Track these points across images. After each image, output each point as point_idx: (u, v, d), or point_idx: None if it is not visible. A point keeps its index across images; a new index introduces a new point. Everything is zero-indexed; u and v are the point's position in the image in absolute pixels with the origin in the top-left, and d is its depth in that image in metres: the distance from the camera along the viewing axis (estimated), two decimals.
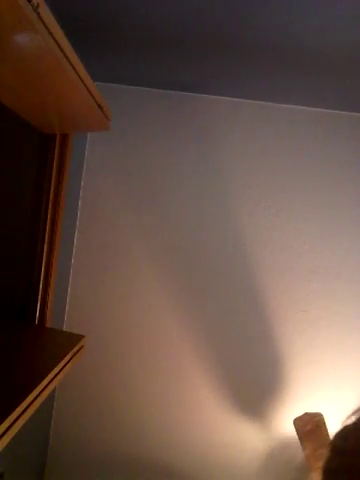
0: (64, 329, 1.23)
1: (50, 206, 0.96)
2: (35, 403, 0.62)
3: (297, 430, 1.06)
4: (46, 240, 0.97)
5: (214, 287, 1.22)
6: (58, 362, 0.73)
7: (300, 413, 1.09)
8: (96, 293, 1.23)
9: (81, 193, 1.23)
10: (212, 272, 1.22)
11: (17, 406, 0.56)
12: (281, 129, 1.22)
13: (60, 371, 0.73)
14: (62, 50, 0.55)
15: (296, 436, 1.07)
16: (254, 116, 1.22)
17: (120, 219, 1.23)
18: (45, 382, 0.66)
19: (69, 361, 0.79)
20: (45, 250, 0.97)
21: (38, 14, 0.46)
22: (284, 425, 1.23)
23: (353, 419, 0.41)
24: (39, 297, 0.98)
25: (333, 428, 1.17)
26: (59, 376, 0.73)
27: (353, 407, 1.28)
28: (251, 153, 1.22)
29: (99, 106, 0.75)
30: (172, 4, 0.76)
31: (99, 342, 1.23)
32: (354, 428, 0.40)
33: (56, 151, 0.95)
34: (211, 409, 1.24)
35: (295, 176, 1.22)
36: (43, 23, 0.48)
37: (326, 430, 1.04)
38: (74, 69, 0.60)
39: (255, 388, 1.23)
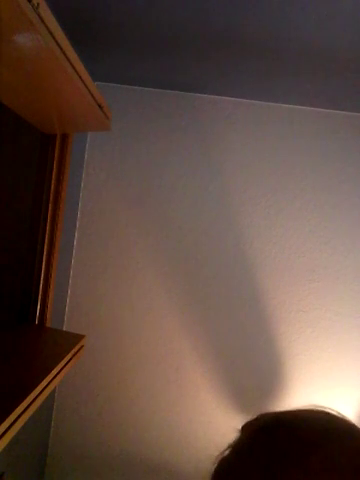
0: (64, 329, 1.23)
1: (50, 206, 0.96)
2: (35, 403, 0.62)
3: None
4: (46, 240, 0.97)
5: (214, 287, 1.22)
6: (58, 362, 0.73)
7: None
8: (96, 293, 1.23)
9: (81, 193, 1.23)
10: (212, 272, 1.22)
11: (17, 406, 0.56)
12: (281, 129, 1.22)
13: (60, 371, 0.73)
14: (62, 50, 0.55)
15: None
16: (254, 116, 1.22)
17: (120, 219, 1.23)
18: (45, 382, 0.66)
19: (69, 361, 0.79)
20: (45, 250, 0.97)
21: (38, 14, 0.46)
22: None
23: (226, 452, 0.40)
24: (39, 297, 0.98)
25: None
26: (59, 376, 0.73)
27: (353, 407, 1.27)
28: (251, 153, 1.22)
29: (99, 106, 0.75)
30: (172, 4, 0.76)
31: (99, 342, 1.23)
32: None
33: (56, 151, 0.95)
34: (211, 409, 1.24)
35: (295, 176, 1.22)
36: (43, 23, 0.48)
37: None
38: (74, 69, 0.60)
39: (255, 388, 1.23)
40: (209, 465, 0.41)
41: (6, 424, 0.52)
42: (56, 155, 0.95)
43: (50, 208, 0.96)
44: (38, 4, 0.46)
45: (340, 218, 1.22)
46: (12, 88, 0.66)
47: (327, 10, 0.72)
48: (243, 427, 0.42)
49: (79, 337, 0.92)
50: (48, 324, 1.00)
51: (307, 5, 0.72)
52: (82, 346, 0.90)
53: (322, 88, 1.07)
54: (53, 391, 1.23)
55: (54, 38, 0.51)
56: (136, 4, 0.77)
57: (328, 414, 0.38)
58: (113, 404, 1.25)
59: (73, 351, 0.83)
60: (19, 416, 0.56)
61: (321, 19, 0.75)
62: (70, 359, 0.80)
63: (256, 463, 0.35)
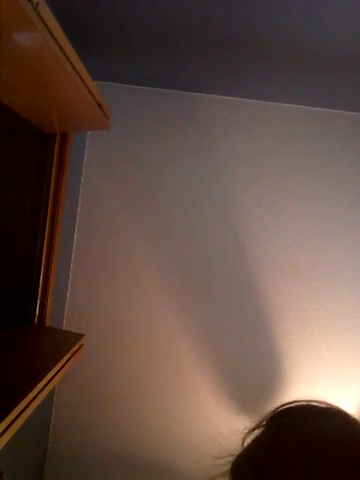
0: (63, 328, 1.23)
1: (50, 205, 0.96)
2: (34, 402, 0.62)
3: None
4: (46, 239, 0.97)
5: (214, 286, 1.22)
6: (57, 361, 0.73)
7: None
8: (95, 292, 1.23)
9: (81, 192, 1.23)
10: (212, 271, 1.22)
11: (16, 405, 0.56)
12: (281, 129, 1.22)
13: (59, 370, 0.73)
14: (62, 49, 0.55)
15: None
16: (254, 115, 1.22)
17: (120, 218, 1.23)
18: (44, 381, 0.66)
19: (68, 360, 0.79)
20: (44, 249, 0.97)
21: (38, 13, 0.46)
22: None
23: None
24: (39, 296, 0.98)
25: None
26: (58, 375, 0.73)
27: (352, 407, 1.27)
28: (251, 152, 1.22)
29: (99, 105, 0.75)
30: (172, 4, 0.76)
31: (98, 341, 1.23)
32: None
33: (56, 150, 0.95)
34: (210, 408, 1.24)
35: (295, 175, 1.22)
36: (43, 22, 0.48)
37: None
38: (74, 68, 0.60)
39: (254, 387, 1.23)
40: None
41: (5, 423, 0.52)
42: (55, 154, 0.95)
43: (49, 208, 0.96)
44: (38, 3, 0.45)
45: (340, 218, 1.22)
46: (11, 87, 0.66)
47: (327, 9, 0.72)
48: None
49: (78, 336, 0.92)
50: (47, 323, 1.00)
51: (307, 5, 0.71)
52: (81, 345, 0.91)
53: (322, 87, 1.07)
54: (52, 390, 1.23)
55: (54, 37, 0.51)
56: (136, 3, 0.77)
57: (342, 413, 0.38)
58: (112, 403, 1.25)
59: (72, 350, 0.83)
60: (18, 415, 0.56)
61: (321, 18, 0.75)
62: (69, 358, 0.80)
63: (261, 450, 0.36)
